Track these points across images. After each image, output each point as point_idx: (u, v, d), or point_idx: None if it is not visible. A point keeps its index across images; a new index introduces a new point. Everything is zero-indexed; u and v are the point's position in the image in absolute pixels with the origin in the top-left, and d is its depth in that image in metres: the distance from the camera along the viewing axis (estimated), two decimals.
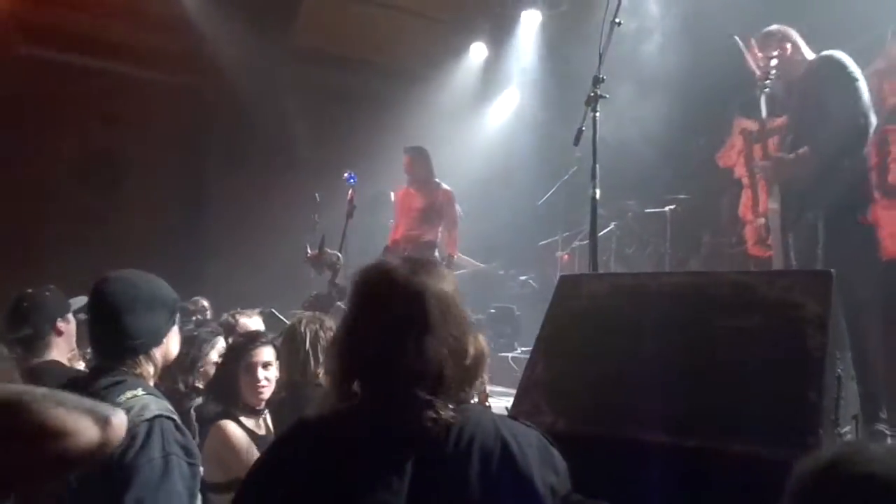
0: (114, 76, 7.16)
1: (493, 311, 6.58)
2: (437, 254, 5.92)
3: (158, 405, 1.78)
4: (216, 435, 2.51)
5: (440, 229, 6.01)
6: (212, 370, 2.84)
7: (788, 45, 3.64)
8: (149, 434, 1.69)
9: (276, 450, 1.40)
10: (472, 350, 1.36)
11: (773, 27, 3.76)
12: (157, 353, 1.93)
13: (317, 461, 1.30)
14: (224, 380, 2.60)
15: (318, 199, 5.92)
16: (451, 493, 1.25)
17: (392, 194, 6.39)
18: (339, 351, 1.38)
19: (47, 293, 2.73)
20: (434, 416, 1.27)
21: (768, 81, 3.46)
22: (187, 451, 1.76)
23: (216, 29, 6.89)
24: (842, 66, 3.38)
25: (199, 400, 2.80)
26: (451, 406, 1.29)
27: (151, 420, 1.72)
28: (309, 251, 5.58)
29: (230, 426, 2.52)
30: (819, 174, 3.36)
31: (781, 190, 3.53)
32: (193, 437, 2.38)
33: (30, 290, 2.72)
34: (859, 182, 3.46)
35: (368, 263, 1.44)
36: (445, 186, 5.97)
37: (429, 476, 1.26)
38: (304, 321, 2.82)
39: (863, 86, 3.34)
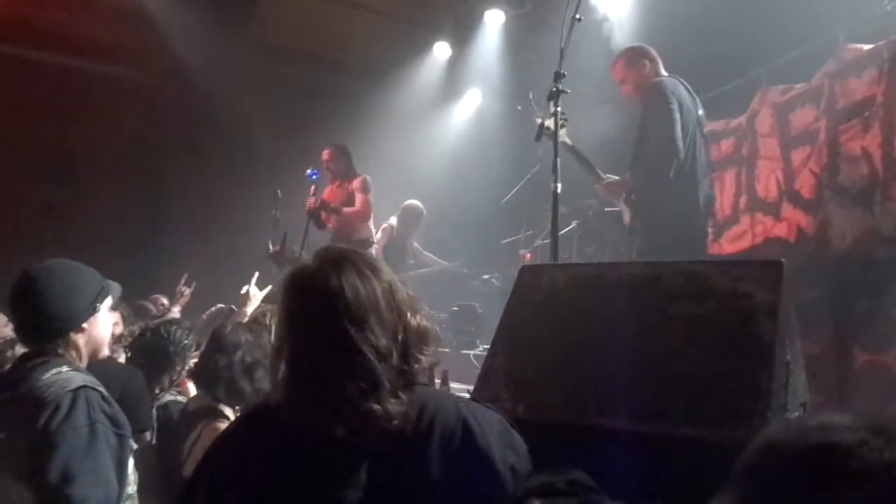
0: (71, 72, 7.00)
1: (455, 309, 6.58)
2: (373, 250, 5.85)
3: (83, 378, 1.81)
4: (211, 437, 2.45)
5: (370, 223, 5.93)
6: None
7: (647, 64, 3.93)
8: (73, 403, 1.72)
9: (222, 446, 1.39)
10: (408, 331, 1.34)
11: (637, 46, 4.05)
12: (79, 337, 1.94)
13: (269, 458, 1.28)
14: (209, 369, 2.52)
15: (279, 196, 5.86)
16: (412, 473, 1.25)
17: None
18: (274, 365, 1.36)
19: None
20: (379, 412, 1.25)
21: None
22: (114, 421, 1.78)
23: (175, 24, 6.77)
24: (663, 94, 3.69)
25: (175, 397, 2.74)
26: (393, 399, 1.27)
27: (76, 390, 1.74)
28: (271, 247, 5.52)
29: (223, 426, 2.47)
30: (642, 191, 3.83)
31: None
32: (173, 432, 2.35)
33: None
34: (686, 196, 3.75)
35: (289, 272, 1.41)
36: (365, 176, 5.85)
37: (389, 457, 1.25)
38: (268, 314, 2.79)
39: (677, 114, 3.66)
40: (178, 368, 2.67)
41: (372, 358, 1.26)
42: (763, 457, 0.83)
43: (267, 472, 1.28)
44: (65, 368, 1.82)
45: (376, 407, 1.24)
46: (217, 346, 2.46)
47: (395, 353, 1.30)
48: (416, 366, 1.35)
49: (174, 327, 2.68)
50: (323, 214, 5.76)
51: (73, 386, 1.75)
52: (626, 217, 4.11)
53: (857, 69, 4.41)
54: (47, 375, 1.78)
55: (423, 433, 1.27)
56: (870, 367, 4.20)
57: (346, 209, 5.73)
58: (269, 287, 5.17)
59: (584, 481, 1.15)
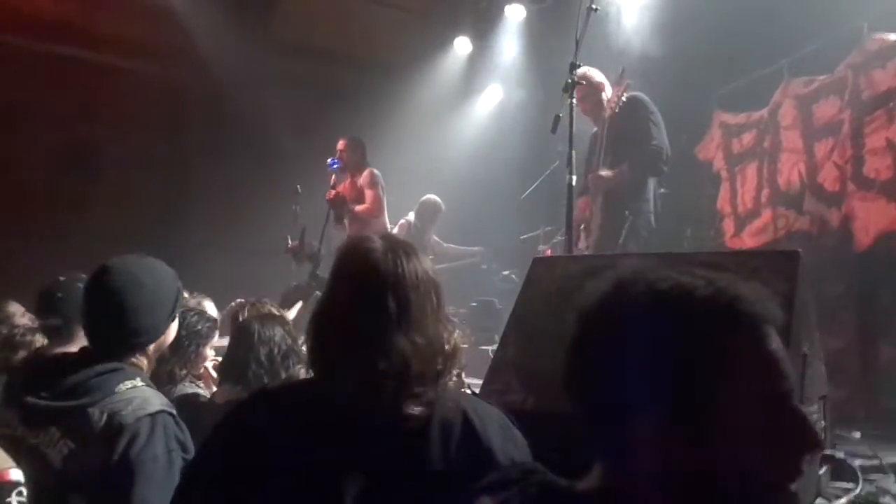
0: (94, 66, 7.09)
1: (474, 304, 6.58)
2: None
3: (160, 400, 1.75)
4: None
5: (384, 218, 5.90)
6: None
7: (604, 84, 4.32)
8: (152, 430, 1.66)
9: (234, 419, 1.38)
10: (445, 347, 1.34)
11: (592, 72, 4.31)
12: (153, 347, 1.89)
13: (274, 436, 1.28)
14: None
15: (299, 191, 5.89)
16: (411, 466, 1.24)
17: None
18: (313, 329, 1.36)
19: (79, 283, 2.62)
20: (405, 411, 1.25)
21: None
22: (184, 447, 1.73)
23: (199, 21, 6.84)
24: (648, 106, 4.23)
25: (195, 389, 2.76)
26: (418, 402, 1.27)
27: (154, 415, 1.68)
28: (290, 242, 5.56)
29: None
30: (631, 187, 4.20)
31: (604, 198, 4.24)
32: (202, 428, 2.35)
33: (62, 278, 2.58)
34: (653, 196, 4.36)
35: (350, 240, 1.41)
36: (371, 169, 5.80)
37: (388, 449, 1.24)
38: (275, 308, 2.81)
39: (662, 121, 4.25)
40: (192, 356, 2.67)
41: (421, 352, 1.28)
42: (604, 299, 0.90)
43: (268, 450, 1.28)
44: (139, 383, 1.74)
45: (404, 409, 1.25)
46: (244, 339, 2.46)
47: (435, 358, 1.31)
48: (446, 385, 1.35)
49: (189, 313, 2.67)
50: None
51: (152, 410, 1.69)
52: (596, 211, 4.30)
53: (882, 59, 4.32)
54: (121, 388, 1.70)
55: (422, 425, 1.27)
56: (895, 361, 4.12)
57: (358, 207, 5.73)
58: (294, 284, 5.23)
59: (537, 468, 1.15)
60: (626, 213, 4.07)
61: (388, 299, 1.29)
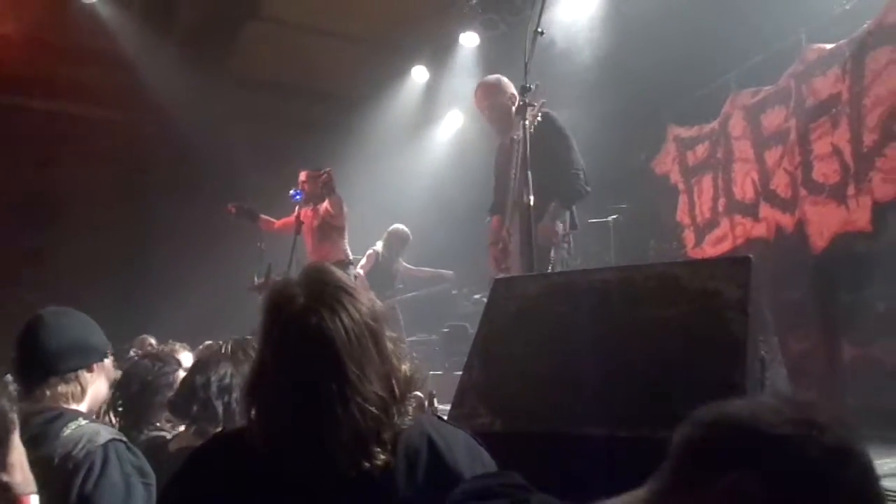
0: (48, 114, 7.02)
1: (446, 330, 6.58)
2: (354, 272, 5.79)
3: (107, 431, 1.79)
4: None
5: (345, 243, 5.80)
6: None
7: (516, 97, 4.03)
8: (105, 459, 1.70)
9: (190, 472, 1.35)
10: (398, 379, 1.28)
11: (504, 81, 4.21)
12: (87, 378, 1.92)
13: (232, 488, 1.26)
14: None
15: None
16: (378, 496, 1.22)
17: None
18: (249, 399, 1.29)
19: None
20: (366, 466, 1.21)
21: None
22: (142, 472, 1.77)
23: (154, 62, 6.83)
24: (561, 126, 4.00)
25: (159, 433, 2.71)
26: (380, 450, 1.23)
27: (105, 445, 1.72)
28: (256, 280, 5.51)
29: None
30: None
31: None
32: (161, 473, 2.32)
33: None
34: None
35: (269, 293, 1.32)
36: (334, 195, 5.66)
37: (356, 480, 1.22)
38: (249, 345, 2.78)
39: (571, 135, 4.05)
40: (155, 402, 2.63)
41: (370, 408, 1.21)
42: (686, 435, 0.86)
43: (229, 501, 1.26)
44: (82, 422, 1.78)
45: (366, 464, 1.21)
46: (196, 368, 2.44)
47: (388, 403, 1.25)
48: (406, 416, 1.30)
49: (144, 361, 2.64)
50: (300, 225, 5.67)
51: (102, 441, 1.72)
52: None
53: (822, 68, 4.48)
54: (66, 431, 1.73)
55: (386, 463, 1.24)
56: (858, 360, 4.21)
57: (321, 206, 5.63)
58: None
59: (518, 482, 1.15)
60: (552, 250, 3.91)
61: (324, 367, 1.21)
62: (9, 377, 2.67)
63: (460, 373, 5.86)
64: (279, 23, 7.36)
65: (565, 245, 4.04)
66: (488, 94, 4.25)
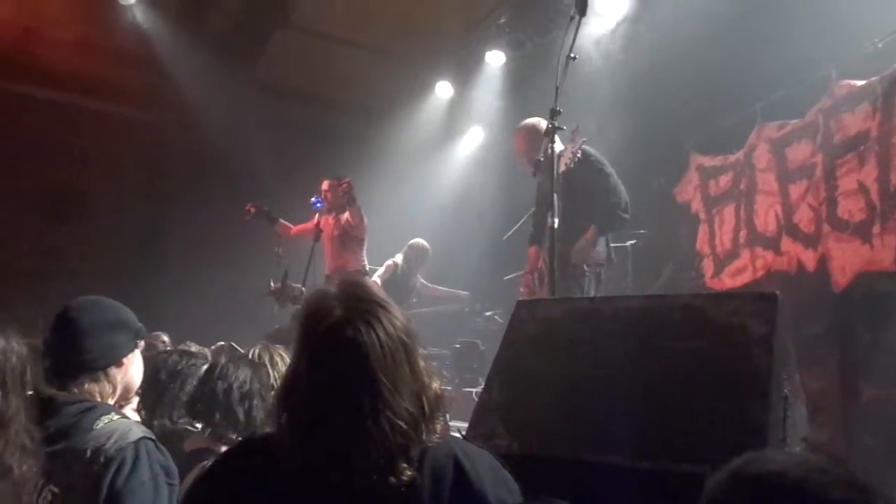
0: (77, 110, 7.12)
1: (457, 346, 6.56)
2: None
3: (139, 428, 1.80)
4: None
5: (363, 254, 5.85)
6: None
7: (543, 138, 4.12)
8: (137, 457, 1.71)
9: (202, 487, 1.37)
10: (427, 396, 1.29)
11: (535, 120, 4.38)
12: (116, 373, 1.93)
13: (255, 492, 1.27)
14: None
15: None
16: None
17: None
18: (282, 406, 1.30)
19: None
20: (393, 482, 1.22)
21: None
22: (168, 472, 1.77)
23: (183, 66, 6.92)
24: (601, 161, 4.23)
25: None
26: (406, 466, 1.23)
27: (137, 442, 1.73)
28: (272, 285, 5.53)
29: None
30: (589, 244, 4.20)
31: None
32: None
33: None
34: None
35: (306, 304, 1.33)
36: (354, 206, 5.68)
37: (381, 495, 1.23)
38: (266, 353, 2.78)
39: (612, 170, 4.25)
40: (173, 398, 2.64)
41: (400, 423, 1.22)
42: (729, 485, 0.85)
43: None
44: (115, 416, 1.79)
45: (392, 479, 1.21)
46: (215, 374, 2.44)
47: (418, 420, 1.26)
48: (434, 434, 1.31)
49: (173, 355, 2.65)
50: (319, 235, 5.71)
51: (134, 438, 1.73)
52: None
53: (851, 104, 4.45)
54: (99, 424, 1.74)
55: (412, 479, 1.25)
56: (876, 401, 4.15)
57: (343, 216, 5.70)
58: (276, 327, 5.19)
59: None
60: (585, 267, 4.14)
61: (357, 380, 1.23)
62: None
63: (470, 389, 5.90)
64: (307, 32, 7.45)
65: (598, 271, 4.25)
66: (529, 138, 4.42)
